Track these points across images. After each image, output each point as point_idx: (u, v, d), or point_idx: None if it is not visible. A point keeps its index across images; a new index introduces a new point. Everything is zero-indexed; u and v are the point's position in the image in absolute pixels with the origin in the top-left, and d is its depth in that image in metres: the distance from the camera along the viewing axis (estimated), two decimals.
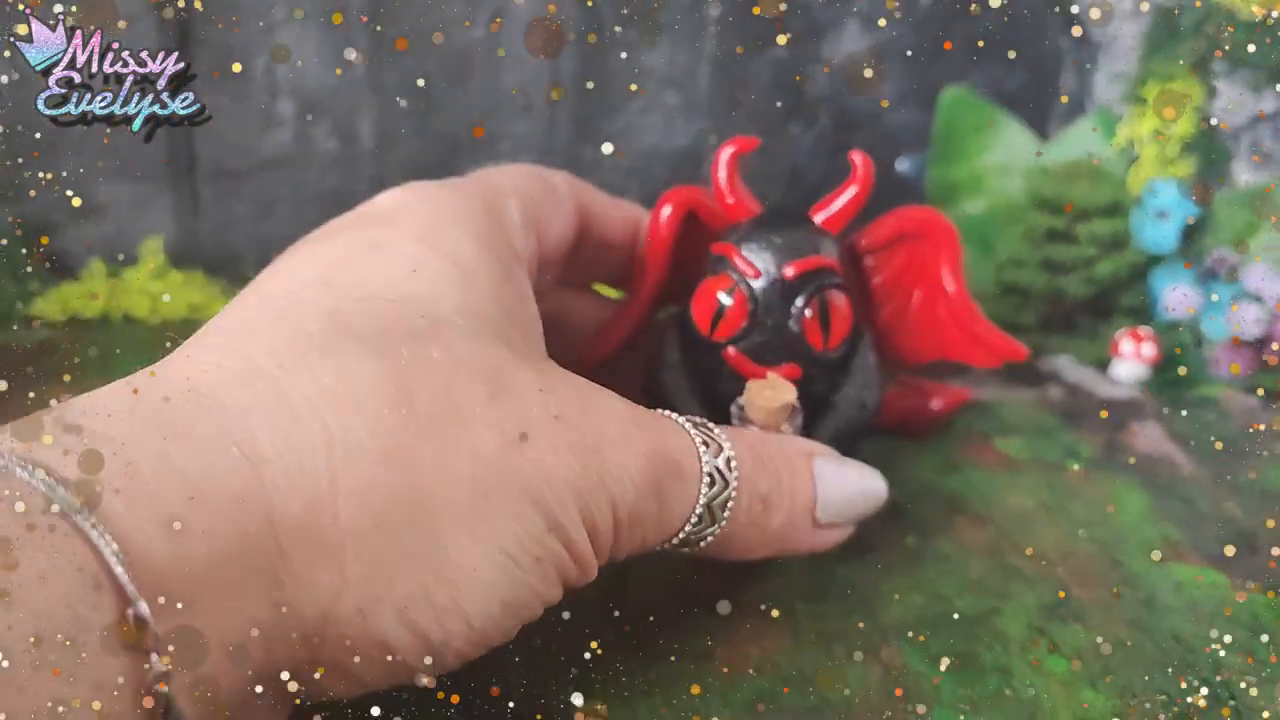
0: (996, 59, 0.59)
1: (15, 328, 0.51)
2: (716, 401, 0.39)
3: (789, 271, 0.38)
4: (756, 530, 0.33)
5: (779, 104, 0.59)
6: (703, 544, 0.33)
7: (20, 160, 0.52)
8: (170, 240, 0.54)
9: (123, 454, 0.23)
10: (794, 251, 0.38)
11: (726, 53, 0.57)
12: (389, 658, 0.26)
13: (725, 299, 0.38)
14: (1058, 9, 0.58)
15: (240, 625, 0.24)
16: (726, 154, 0.41)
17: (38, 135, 0.51)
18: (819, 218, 0.40)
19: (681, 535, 0.32)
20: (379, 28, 0.54)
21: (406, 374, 0.27)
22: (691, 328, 0.39)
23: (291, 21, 0.53)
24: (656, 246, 0.41)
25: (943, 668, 0.34)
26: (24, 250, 0.52)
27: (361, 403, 0.26)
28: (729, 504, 0.32)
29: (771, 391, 0.36)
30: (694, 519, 0.32)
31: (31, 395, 0.44)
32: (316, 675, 0.26)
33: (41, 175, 0.53)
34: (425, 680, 0.27)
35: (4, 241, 0.52)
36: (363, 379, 0.26)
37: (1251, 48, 0.52)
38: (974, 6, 0.57)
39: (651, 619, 0.35)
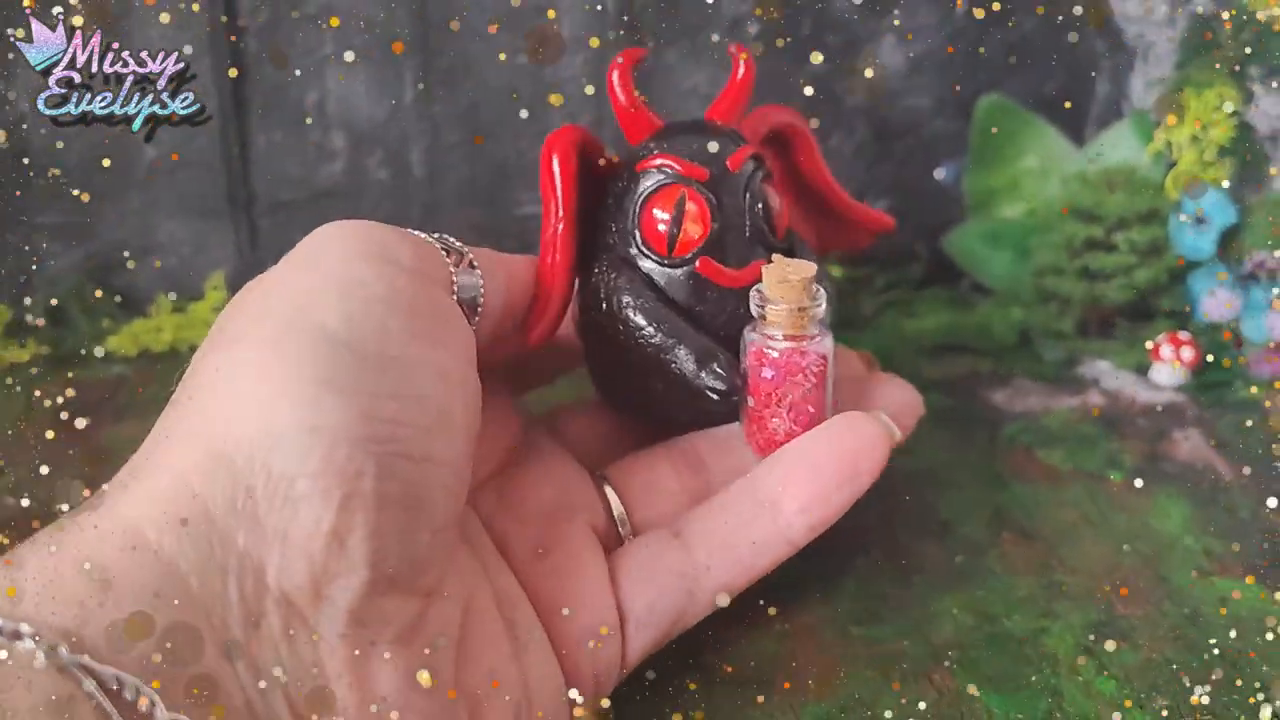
0: (1032, 66, 0.60)
1: (91, 363, 0.54)
2: (702, 325, 0.37)
3: (731, 165, 0.37)
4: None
5: (819, 117, 0.60)
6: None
7: (88, 202, 0.54)
8: (231, 273, 0.56)
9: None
10: (726, 146, 0.37)
11: (766, 68, 0.58)
12: None
13: (677, 208, 0.37)
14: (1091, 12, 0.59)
15: None
16: (619, 68, 0.39)
17: (112, 175, 0.54)
18: (715, 119, 0.39)
19: None
20: (427, 60, 0.55)
21: None
22: (644, 254, 0.37)
23: (341, 54, 0.55)
24: (564, 182, 0.37)
25: (993, 690, 0.35)
26: (95, 288, 0.55)
27: None
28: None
29: (793, 268, 0.35)
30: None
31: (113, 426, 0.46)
32: None
33: (107, 214, 0.55)
34: None
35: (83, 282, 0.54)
36: None
37: None
38: (1006, 19, 0.58)
39: (708, 641, 0.37)
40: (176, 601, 0.25)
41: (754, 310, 0.36)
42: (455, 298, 0.33)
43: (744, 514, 0.35)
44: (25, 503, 0.42)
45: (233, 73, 0.53)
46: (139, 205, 0.55)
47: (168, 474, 0.27)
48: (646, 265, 0.37)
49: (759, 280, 0.36)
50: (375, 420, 0.28)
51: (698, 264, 0.37)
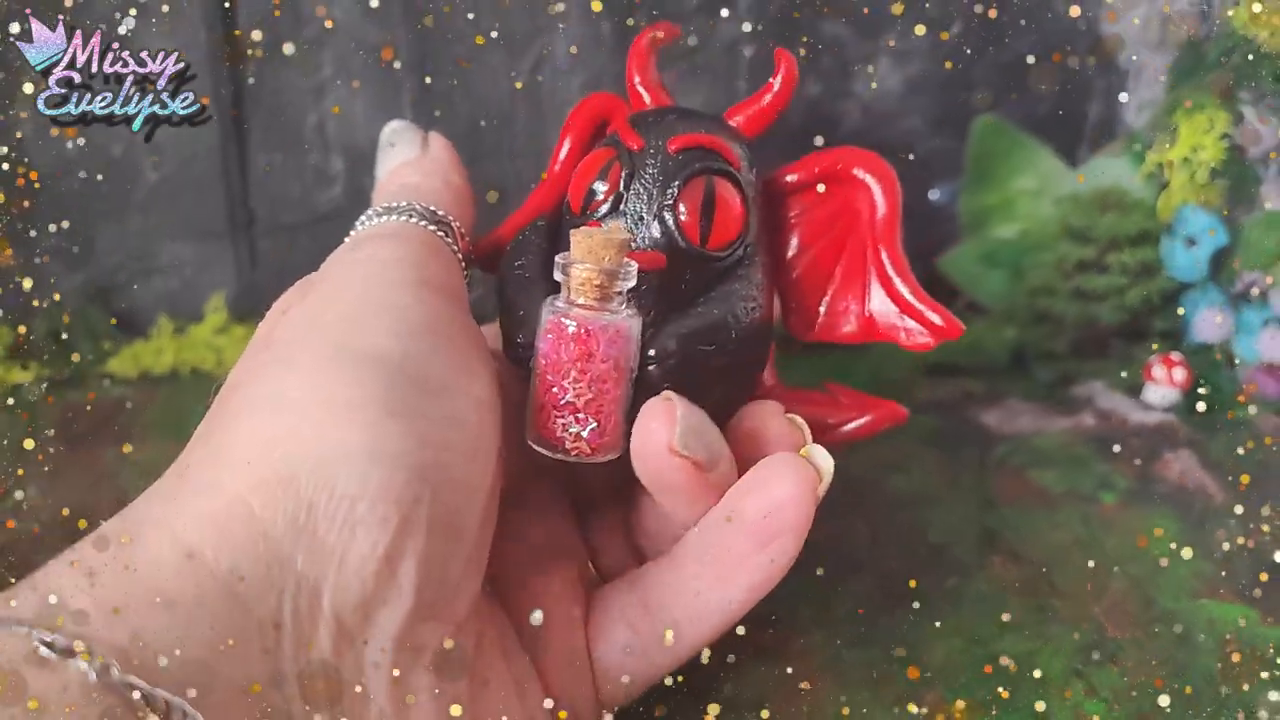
0: (1026, 87, 0.60)
1: (92, 385, 0.54)
2: None
3: (672, 145, 0.34)
4: None
5: (815, 139, 0.60)
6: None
7: (89, 224, 0.55)
8: (231, 295, 0.57)
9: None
10: (683, 128, 0.35)
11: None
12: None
13: (602, 171, 0.35)
14: (1084, 30, 0.59)
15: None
16: (641, 44, 0.38)
17: (113, 198, 0.54)
18: (734, 119, 0.37)
19: None
20: (425, 80, 0.56)
21: None
22: (566, 211, 0.36)
23: (340, 78, 0.55)
24: (571, 147, 0.37)
25: (983, 712, 0.36)
26: (97, 311, 0.55)
27: None
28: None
29: (602, 233, 0.32)
30: None
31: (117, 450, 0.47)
32: None
33: (108, 236, 0.55)
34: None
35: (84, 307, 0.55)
36: None
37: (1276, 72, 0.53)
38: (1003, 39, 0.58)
39: (703, 669, 0.37)
40: (232, 622, 0.26)
41: (557, 274, 0.32)
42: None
43: (686, 582, 0.34)
44: (29, 525, 0.43)
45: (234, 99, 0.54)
46: (140, 227, 0.56)
47: (223, 493, 0.27)
48: (565, 217, 0.36)
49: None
50: (430, 447, 0.28)
51: (585, 225, 0.34)
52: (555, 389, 0.32)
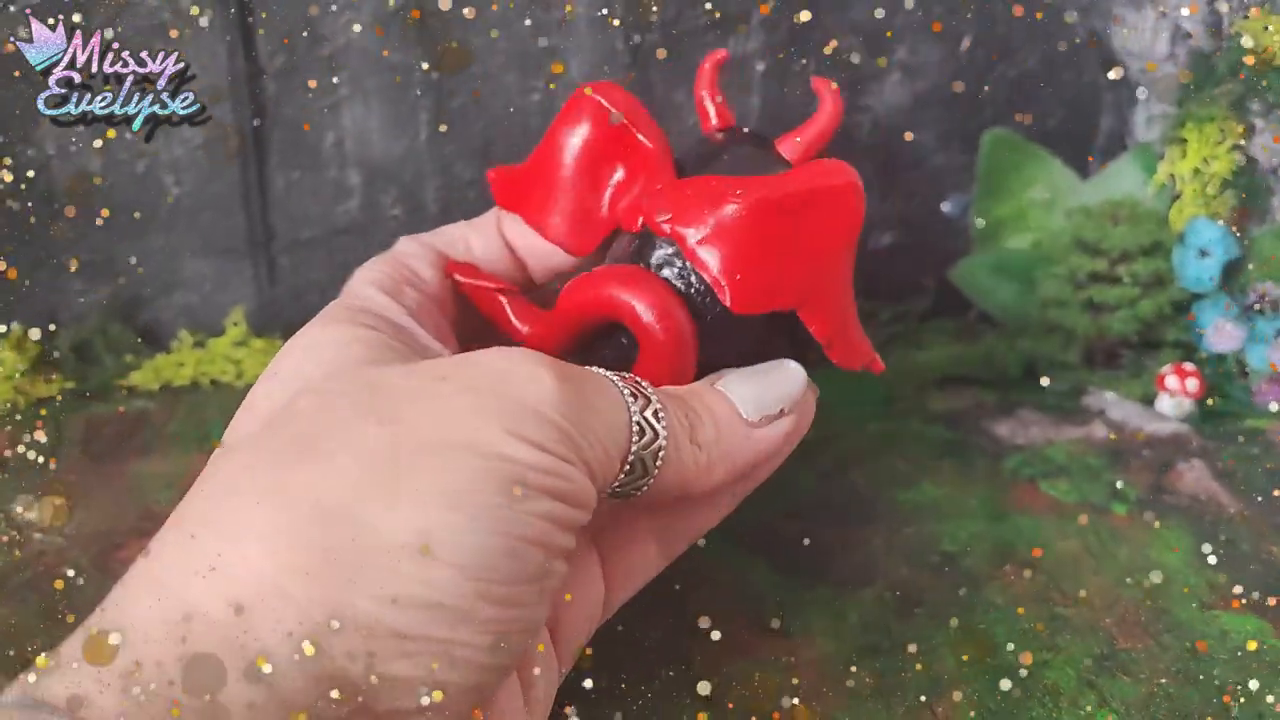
0: (1036, 100, 0.61)
1: (116, 398, 0.55)
2: None
3: None
4: (695, 462, 0.33)
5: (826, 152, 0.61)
6: (639, 492, 0.32)
7: (113, 240, 0.56)
8: (250, 309, 0.58)
9: None
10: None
11: (773, 103, 0.59)
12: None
13: None
14: (1095, 45, 0.60)
15: None
16: (708, 67, 0.40)
17: (136, 215, 0.55)
18: (785, 148, 0.39)
19: (617, 484, 0.31)
20: (440, 98, 0.56)
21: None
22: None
23: (356, 95, 0.56)
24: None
25: None
26: (119, 325, 0.56)
27: None
28: (660, 453, 0.31)
29: None
30: (626, 468, 0.31)
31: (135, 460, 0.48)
32: None
33: (131, 252, 0.56)
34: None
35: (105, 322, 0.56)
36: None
37: None
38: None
39: (712, 673, 0.38)
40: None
41: None
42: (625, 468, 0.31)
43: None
44: (54, 537, 0.44)
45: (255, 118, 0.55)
46: (162, 244, 0.57)
47: (241, 577, 0.26)
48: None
49: None
50: (499, 606, 0.27)
51: None
52: None
